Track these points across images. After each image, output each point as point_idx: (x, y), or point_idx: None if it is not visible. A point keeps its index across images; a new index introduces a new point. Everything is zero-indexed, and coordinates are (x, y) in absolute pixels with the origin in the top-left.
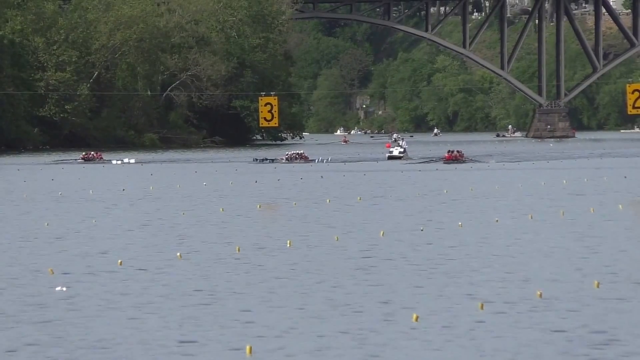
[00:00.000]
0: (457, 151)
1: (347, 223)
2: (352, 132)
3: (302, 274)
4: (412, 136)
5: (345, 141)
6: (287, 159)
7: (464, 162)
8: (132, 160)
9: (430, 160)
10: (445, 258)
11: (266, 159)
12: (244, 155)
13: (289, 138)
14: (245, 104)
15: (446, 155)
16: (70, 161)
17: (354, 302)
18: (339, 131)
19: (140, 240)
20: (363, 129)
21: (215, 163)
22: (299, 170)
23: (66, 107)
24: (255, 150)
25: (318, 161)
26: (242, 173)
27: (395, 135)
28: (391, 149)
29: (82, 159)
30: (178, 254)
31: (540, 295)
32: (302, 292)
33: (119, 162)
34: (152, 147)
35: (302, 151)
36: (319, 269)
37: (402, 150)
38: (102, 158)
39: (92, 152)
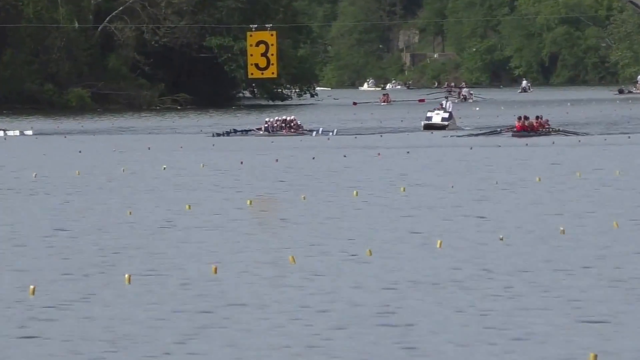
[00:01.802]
0: (538, 118)
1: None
2: (387, 87)
3: None
4: (481, 97)
5: (387, 100)
6: (266, 128)
7: (547, 133)
8: (29, 132)
9: (492, 132)
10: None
11: (234, 131)
12: (223, 122)
13: (294, 96)
14: (225, 43)
15: (516, 123)
16: None
17: None
18: (366, 85)
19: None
20: (407, 82)
21: (180, 134)
22: (288, 147)
23: None
24: (240, 117)
25: (317, 133)
26: (220, 149)
27: (465, 91)
28: (429, 114)
29: None
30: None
31: None
32: None
33: (13, 133)
34: (80, 108)
35: (292, 117)
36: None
37: (445, 115)
38: None
39: None
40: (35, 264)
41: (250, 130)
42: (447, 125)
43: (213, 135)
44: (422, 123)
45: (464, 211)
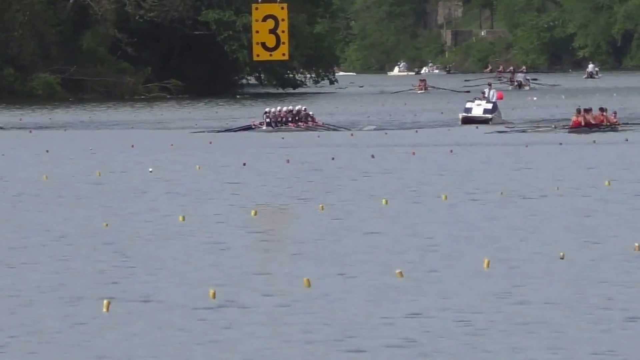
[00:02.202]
0: (602, 110)
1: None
2: (423, 71)
3: None
4: (539, 83)
5: (424, 87)
6: (269, 122)
7: (613, 128)
8: None
9: (543, 128)
10: None
11: (228, 130)
12: (222, 114)
13: (310, 82)
14: (225, 18)
15: (573, 118)
16: None
17: None
18: (396, 69)
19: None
20: (447, 65)
21: (170, 130)
22: (300, 144)
23: None
24: (243, 107)
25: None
26: (219, 147)
27: (520, 76)
28: (469, 105)
29: None
30: None
31: None
32: None
33: None
34: (48, 97)
35: (303, 107)
36: None
37: (488, 107)
38: None
39: None
40: None
41: (249, 127)
42: (491, 119)
43: (194, 132)
44: (460, 116)
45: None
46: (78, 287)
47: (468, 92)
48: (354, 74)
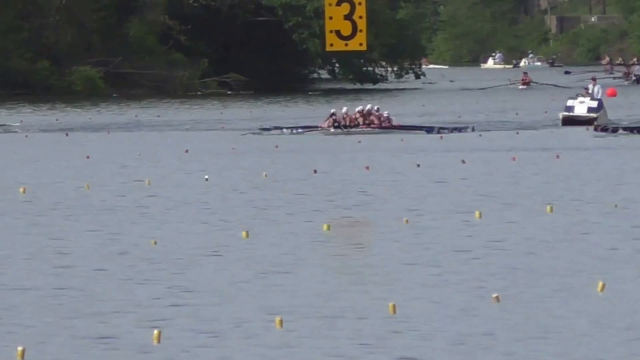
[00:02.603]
0: None
1: None
2: (522, 63)
3: None
4: None
5: (527, 82)
6: (331, 123)
7: None
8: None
9: None
10: None
11: (278, 128)
12: (289, 114)
13: (391, 76)
14: (293, 2)
15: None
16: None
17: None
18: (491, 61)
19: None
20: (551, 57)
21: (230, 131)
22: (378, 148)
23: None
24: (320, 105)
25: (433, 132)
26: (286, 150)
27: (638, 68)
28: (571, 103)
29: None
30: None
31: None
32: None
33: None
34: (89, 94)
35: (375, 107)
36: None
37: (593, 105)
38: None
39: None
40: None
41: (307, 128)
42: (596, 118)
43: (243, 134)
44: (560, 115)
45: None
46: (120, 319)
47: (568, 73)
48: (446, 66)
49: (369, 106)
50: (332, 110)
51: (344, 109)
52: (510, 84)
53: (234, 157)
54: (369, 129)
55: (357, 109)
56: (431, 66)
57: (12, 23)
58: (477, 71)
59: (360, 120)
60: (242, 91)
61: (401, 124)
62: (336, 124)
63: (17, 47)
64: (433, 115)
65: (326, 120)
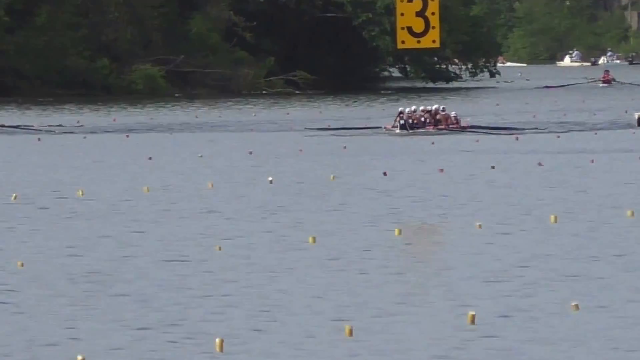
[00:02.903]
0: None
1: None
2: (600, 61)
3: None
4: None
5: (608, 80)
6: (403, 124)
7: None
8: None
9: None
10: None
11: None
12: (359, 114)
13: (465, 74)
14: None
15: None
16: None
17: None
18: (567, 58)
19: None
20: (630, 54)
21: (297, 132)
22: (451, 150)
23: None
24: (389, 104)
25: (505, 132)
26: (354, 153)
27: None
28: None
29: None
30: None
31: None
32: None
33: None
34: (149, 93)
35: (441, 107)
36: None
37: None
38: None
39: None
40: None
41: (378, 129)
42: None
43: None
44: (636, 115)
45: None
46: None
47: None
48: (524, 64)
49: (435, 106)
50: (400, 109)
51: (412, 107)
52: (590, 81)
53: (301, 158)
54: (435, 129)
55: (421, 108)
56: (510, 64)
57: (70, 20)
58: (552, 69)
59: (427, 120)
60: (309, 90)
61: (469, 124)
62: (402, 122)
63: (75, 45)
64: (506, 114)
65: (395, 119)
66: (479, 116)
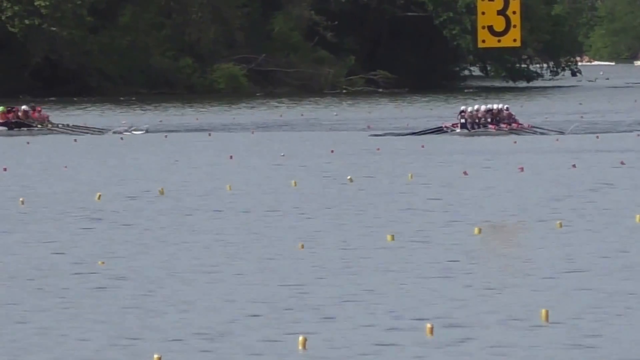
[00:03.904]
0: None
1: None
2: None
3: None
4: None
5: None
6: (464, 123)
7: None
8: (138, 131)
9: None
10: None
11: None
12: (438, 112)
13: (547, 73)
14: None
15: None
16: None
17: None
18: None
19: None
20: None
21: (375, 131)
22: (521, 150)
23: (26, 21)
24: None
25: (569, 130)
26: (429, 152)
27: None
28: None
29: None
30: None
31: None
32: None
33: (124, 131)
34: (231, 92)
35: (504, 106)
36: None
37: None
38: (46, 118)
39: (25, 107)
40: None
41: (440, 129)
42: None
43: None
44: None
45: None
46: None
47: None
48: (612, 63)
49: (498, 105)
50: (462, 107)
51: (475, 107)
52: None
53: (378, 157)
54: (497, 129)
55: (482, 108)
56: (597, 63)
57: (154, 20)
58: (630, 68)
59: (489, 119)
60: (390, 89)
61: (532, 124)
62: (462, 121)
63: (158, 45)
64: (588, 113)
65: (459, 118)
66: (558, 114)
